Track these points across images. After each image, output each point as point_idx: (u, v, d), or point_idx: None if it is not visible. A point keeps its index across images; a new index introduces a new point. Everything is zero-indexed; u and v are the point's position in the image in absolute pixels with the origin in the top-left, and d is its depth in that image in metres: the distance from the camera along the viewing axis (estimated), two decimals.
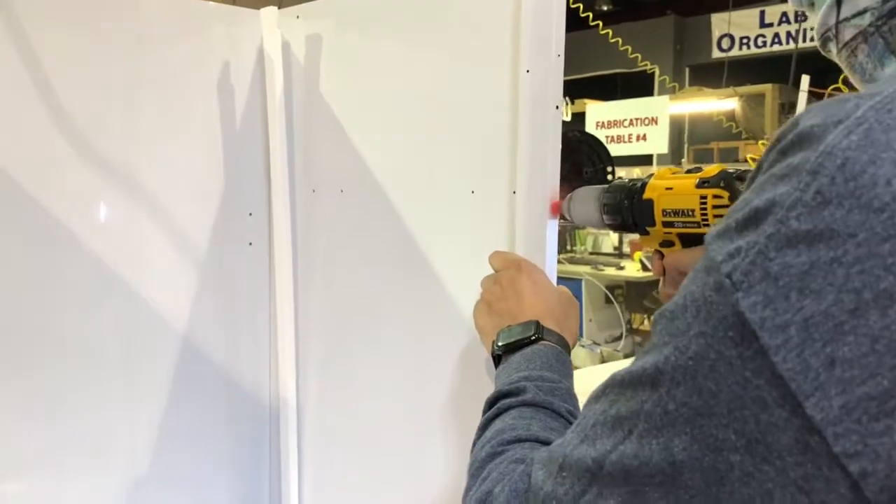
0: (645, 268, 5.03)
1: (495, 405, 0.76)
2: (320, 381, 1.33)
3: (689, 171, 0.87)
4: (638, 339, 5.05)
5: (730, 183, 0.80)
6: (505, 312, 0.91)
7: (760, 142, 5.09)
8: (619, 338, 4.90)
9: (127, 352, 1.22)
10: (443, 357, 1.14)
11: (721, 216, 0.75)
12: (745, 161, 6.78)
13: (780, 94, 4.99)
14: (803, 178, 0.40)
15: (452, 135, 1.10)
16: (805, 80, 3.71)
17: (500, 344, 0.86)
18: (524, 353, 0.83)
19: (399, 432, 1.21)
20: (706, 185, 0.82)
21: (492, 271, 0.99)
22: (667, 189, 0.87)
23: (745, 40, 10.37)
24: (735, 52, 10.14)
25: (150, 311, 1.24)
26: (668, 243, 0.90)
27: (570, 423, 0.69)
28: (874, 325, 0.37)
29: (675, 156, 8.03)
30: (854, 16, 0.56)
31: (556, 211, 0.98)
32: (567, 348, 0.86)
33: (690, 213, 0.84)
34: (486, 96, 1.04)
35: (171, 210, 1.26)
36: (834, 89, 4.90)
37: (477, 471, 0.68)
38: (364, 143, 1.23)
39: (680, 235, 0.88)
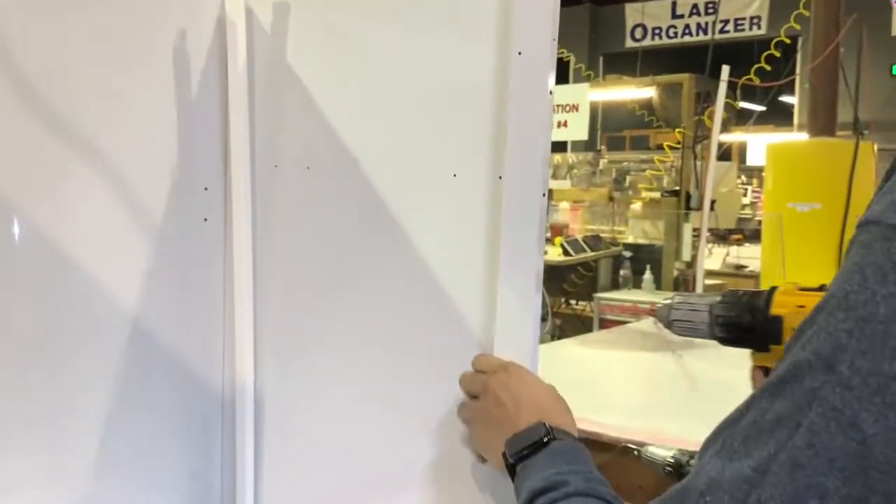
0: (566, 252, 5.11)
1: (535, 502, 0.76)
2: (280, 363, 1.29)
3: (817, 290, 0.85)
4: (558, 321, 5.14)
5: None
6: (505, 420, 0.89)
7: (676, 130, 5.22)
8: (542, 319, 4.97)
9: (72, 331, 1.16)
10: (415, 340, 1.12)
11: None
12: (659, 148, 6.95)
13: (696, 83, 5.12)
14: None
15: (434, 115, 1.08)
16: (725, 69, 3.82)
17: (513, 451, 0.84)
18: (545, 452, 0.82)
19: (365, 418, 1.19)
20: None
21: (468, 361, 0.99)
22: (798, 307, 0.85)
23: (657, 30, 10.63)
24: (648, 41, 10.39)
25: (98, 288, 1.18)
26: None
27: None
28: None
29: (589, 143, 8.18)
30: None
31: (653, 315, 0.95)
32: (576, 440, 0.86)
33: None
34: (472, 76, 1.02)
35: (120, 183, 1.19)
36: (747, 79, 5.08)
37: None
38: (335, 119, 1.19)
39: None
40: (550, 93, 0.94)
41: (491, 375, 0.95)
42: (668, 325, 0.95)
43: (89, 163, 1.15)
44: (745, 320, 0.88)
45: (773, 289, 0.88)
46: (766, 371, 0.88)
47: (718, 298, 0.92)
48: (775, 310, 0.86)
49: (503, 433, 0.88)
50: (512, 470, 0.85)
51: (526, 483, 0.79)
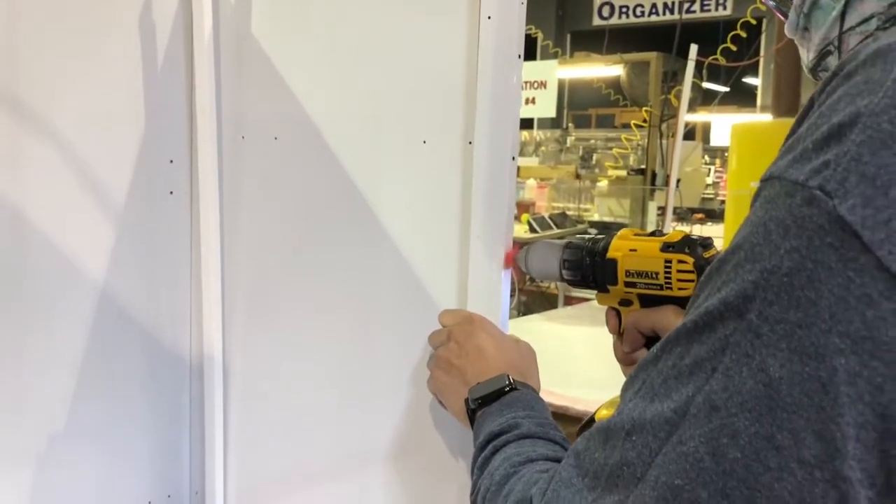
0: (532, 229, 5.13)
1: (489, 445, 0.78)
2: (248, 332, 1.28)
3: (650, 235, 0.90)
4: (524, 297, 5.16)
5: (694, 249, 0.85)
6: (468, 369, 0.91)
7: (644, 108, 5.25)
8: (510, 295, 4.99)
9: (39, 304, 1.14)
10: (385, 307, 1.12)
11: (685, 280, 0.83)
12: (624, 126, 6.99)
13: (663, 62, 5.15)
14: (889, 86, 0.43)
15: (402, 81, 1.07)
16: (693, 48, 3.84)
17: (474, 398, 0.86)
18: (502, 401, 0.84)
19: (334, 384, 1.19)
20: (671, 249, 0.86)
21: (438, 327, 1.00)
22: (631, 250, 0.90)
23: (623, 9, 10.65)
24: (615, 20, 10.41)
25: (63, 261, 1.16)
26: (626, 302, 0.92)
27: (565, 450, 0.73)
28: None
29: (555, 121, 8.20)
30: (860, 23, 0.58)
31: (510, 261, 0.99)
32: (536, 392, 0.88)
33: (654, 275, 0.87)
34: (441, 41, 1.01)
35: (85, 155, 1.17)
36: (713, 59, 5.11)
37: (494, 494, 0.69)
38: (302, 89, 1.18)
39: (640, 296, 0.91)
40: (519, 56, 0.94)
41: (455, 325, 0.97)
42: (525, 267, 1.00)
43: (51, 136, 1.13)
44: (585, 263, 0.94)
45: (613, 234, 0.93)
46: (617, 312, 0.93)
47: (568, 242, 0.98)
48: (611, 253, 0.91)
49: (465, 382, 0.90)
50: (472, 416, 0.87)
51: (483, 428, 0.82)
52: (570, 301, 4.80)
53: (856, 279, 0.41)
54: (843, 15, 0.59)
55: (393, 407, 1.10)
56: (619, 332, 0.93)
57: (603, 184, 5.89)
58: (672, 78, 4.85)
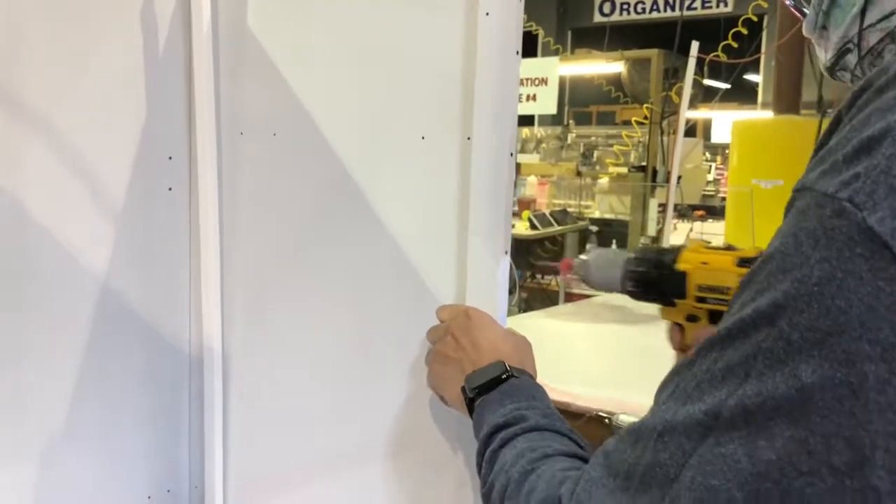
0: (533, 226, 5.13)
1: (495, 437, 0.77)
2: (247, 328, 1.29)
3: (723, 249, 0.88)
4: (524, 295, 5.17)
5: None
6: (465, 360, 0.91)
7: (645, 105, 5.25)
8: (510, 292, 5.00)
9: (38, 300, 1.14)
10: (383, 303, 1.12)
11: None
12: (625, 123, 6.99)
13: (664, 59, 5.14)
14: None
15: (401, 77, 1.07)
16: (694, 45, 3.83)
17: (471, 386, 0.86)
18: (501, 389, 0.83)
19: (333, 379, 1.19)
20: (747, 264, 0.83)
21: (437, 322, 1.00)
22: (702, 263, 0.87)
23: (625, 6, 10.63)
24: (616, 17, 10.40)
25: (62, 257, 1.16)
26: (693, 318, 0.90)
27: (575, 442, 0.74)
28: None
29: (556, 118, 8.20)
30: (881, 20, 0.59)
31: (567, 269, 0.97)
32: (534, 378, 0.87)
33: (727, 290, 0.85)
34: (439, 37, 1.01)
35: (83, 152, 1.17)
36: (714, 56, 5.11)
37: (514, 493, 0.68)
38: (301, 85, 1.17)
39: (710, 312, 0.88)
40: (517, 53, 0.94)
41: (452, 320, 0.97)
42: (586, 278, 0.97)
43: (50, 133, 1.13)
44: (652, 275, 0.91)
45: (683, 246, 0.91)
46: (681, 328, 0.91)
47: (632, 254, 0.95)
48: (681, 265, 0.89)
49: (462, 371, 0.89)
50: (470, 405, 0.86)
51: (486, 417, 0.81)
52: (570, 298, 4.80)
53: (885, 288, 0.42)
54: (863, 12, 0.60)
55: (391, 402, 1.10)
56: (681, 350, 0.92)
57: (604, 181, 5.89)
58: (673, 75, 4.85)
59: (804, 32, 0.68)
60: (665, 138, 5.12)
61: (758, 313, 0.47)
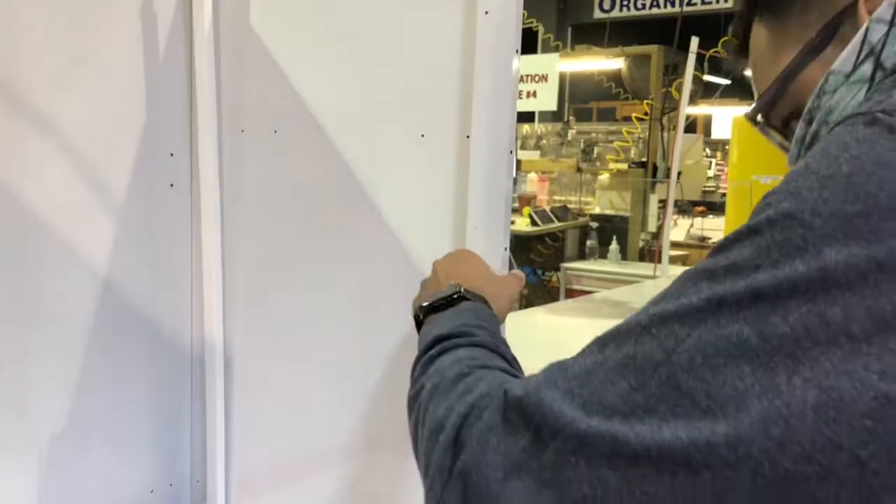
0: (534, 222, 5.13)
1: (436, 346, 0.72)
2: (248, 324, 1.30)
3: None
4: (525, 290, 5.17)
5: None
6: (429, 286, 0.90)
7: (645, 101, 5.25)
8: None
9: (42, 296, 1.15)
10: (383, 298, 1.13)
11: None
12: (625, 120, 6.99)
13: (664, 55, 5.15)
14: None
15: (401, 75, 1.08)
16: (694, 41, 3.83)
17: (423, 305, 0.83)
18: (455, 309, 0.80)
19: (333, 375, 1.20)
20: None
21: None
22: None
23: (625, 2, 10.61)
24: (616, 13, 10.37)
25: (65, 253, 1.17)
26: None
27: (512, 366, 0.69)
28: None
29: (556, 114, 8.19)
30: None
31: None
32: (489, 307, 0.84)
33: None
34: (440, 36, 1.02)
35: (86, 149, 1.18)
36: (714, 52, 5.11)
37: (445, 391, 0.63)
38: (301, 82, 1.18)
39: None
40: (516, 51, 0.95)
41: (438, 261, 0.94)
42: None
43: (52, 130, 1.14)
44: None
45: None
46: None
47: None
48: None
49: (420, 298, 0.88)
50: (419, 323, 0.83)
51: (431, 331, 0.76)
52: (571, 294, 4.81)
53: None
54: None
55: (391, 395, 1.11)
56: None
57: (604, 177, 5.89)
58: (673, 71, 4.86)
59: (787, 164, 0.70)
60: (665, 134, 5.13)
61: (776, 213, 0.47)
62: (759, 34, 0.74)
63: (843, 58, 0.64)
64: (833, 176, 0.46)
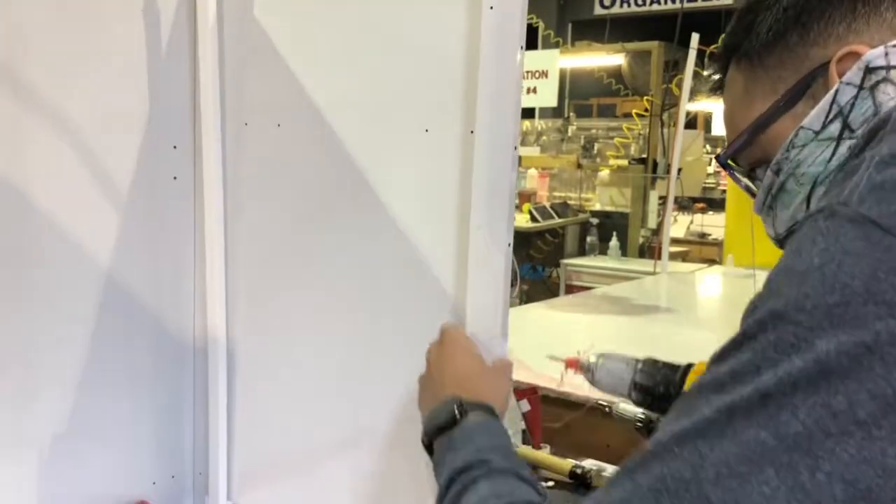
0: (534, 219, 5.14)
1: (455, 483, 0.75)
2: (251, 318, 1.30)
3: None
4: (525, 286, 5.18)
5: None
6: (428, 389, 0.95)
7: (645, 98, 5.24)
8: (511, 285, 5.00)
9: (44, 289, 1.15)
10: (385, 292, 1.13)
11: None
12: (625, 116, 6.98)
13: (665, 51, 5.14)
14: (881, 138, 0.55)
15: (405, 70, 1.08)
16: (695, 37, 3.83)
17: (427, 430, 0.86)
18: (460, 430, 0.83)
19: (335, 368, 1.20)
20: None
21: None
22: None
23: None
24: (616, 9, 10.37)
25: (68, 246, 1.18)
26: None
27: (536, 491, 0.73)
28: None
29: (556, 110, 8.19)
30: None
31: (572, 366, 0.99)
32: (492, 413, 0.86)
33: None
34: (444, 31, 1.02)
35: (89, 141, 1.18)
36: (714, 48, 5.09)
37: None
38: (305, 76, 1.18)
39: None
40: (521, 47, 0.95)
41: (432, 345, 0.99)
42: (592, 381, 1.01)
43: (56, 122, 1.14)
44: (659, 391, 0.96)
45: (689, 366, 0.95)
46: None
47: (639, 364, 0.99)
48: (688, 387, 0.92)
49: (431, 398, 0.92)
50: (430, 447, 0.86)
51: (446, 460, 0.80)
52: (571, 290, 4.82)
53: (883, 257, 0.47)
54: (808, 198, 0.69)
55: (394, 389, 1.12)
56: None
57: (604, 173, 5.88)
58: (673, 67, 4.84)
59: (754, 210, 0.76)
60: (665, 130, 5.12)
61: (764, 315, 0.50)
62: (736, 79, 0.77)
63: (814, 116, 0.68)
64: (808, 271, 0.50)
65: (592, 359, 1.03)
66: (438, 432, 0.84)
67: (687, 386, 0.93)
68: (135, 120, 1.24)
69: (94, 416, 1.22)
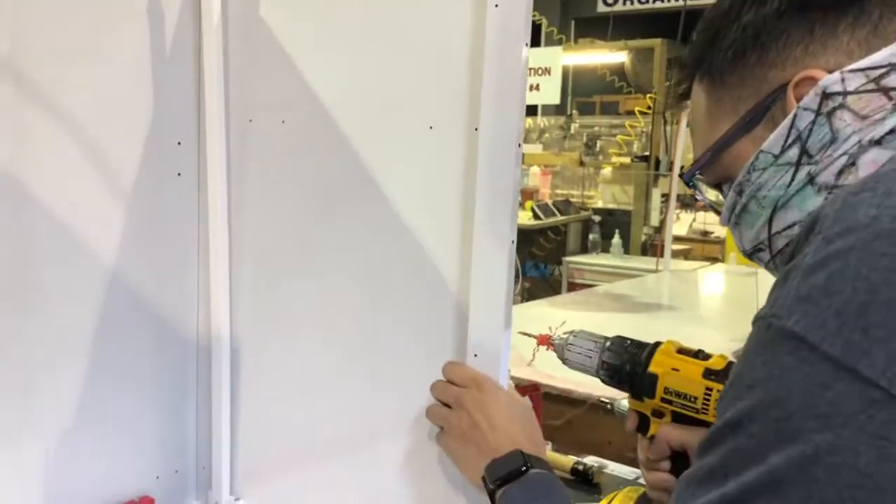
0: (536, 216, 5.14)
1: None
2: (254, 314, 1.30)
3: (694, 355, 0.93)
4: (528, 284, 5.18)
5: None
6: (481, 442, 0.95)
7: (648, 96, 5.24)
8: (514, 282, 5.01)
9: (47, 285, 1.16)
10: (390, 289, 1.13)
11: None
12: (628, 113, 6.98)
13: (668, 49, 5.14)
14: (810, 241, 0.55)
15: (409, 67, 1.08)
16: None
17: (493, 479, 0.91)
18: (521, 484, 0.88)
19: (339, 364, 1.21)
20: (713, 377, 0.90)
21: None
22: (673, 369, 0.92)
23: None
24: (619, 6, 10.36)
25: (71, 242, 1.18)
26: (659, 413, 0.95)
27: None
28: (886, 293, 0.49)
29: (559, 108, 8.19)
30: (785, 229, 0.70)
31: (543, 343, 1.02)
32: (550, 468, 0.92)
33: (693, 399, 0.91)
34: (449, 28, 1.02)
35: (93, 137, 1.18)
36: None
37: None
38: (310, 72, 1.19)
39: (674, 413, 0.94)
40: (526, 44, 0.95)
41: (465, 391, 0.99)
42: (562, 358, 1.04)
43: (60, 118, 1.14)
44: (626, 370, 0.97)
45: (657, 344, 0.96)
46: (640, 415, 0.97)
47: (608, 342, 1.01)
48: (652, 367, 0.95)
49: (481, 455, 0.94)
50: (492, 495, 0.91)
51: None
52: (573, 287, 4.82)
53: (811, 372, 0.51)
54: (770, 220, 0.70)
55: (398, 384, 1.12)
56: (638, 433, 0.98)
57: (607, 171, 5.88)
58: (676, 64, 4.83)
59: (720, 223, 0.78)
60: (668, 128, 5.12)
61: (726, 423, 0.56)
62: (699, 96, 0.78)
63: (773, 140, 0.68)
64: (755, 385, 0.54)
65: (564, 335, 1.04)
66: (502, 484, 0.90)
67: (652, 366, 0.94)
68: (138, 116, 1.24)
69: (98, 412, 1.23)
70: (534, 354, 1.10)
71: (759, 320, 0.56)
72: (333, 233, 1.19)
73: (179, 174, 1.30)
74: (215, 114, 1.26)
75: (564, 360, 1.03)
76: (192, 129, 1.30)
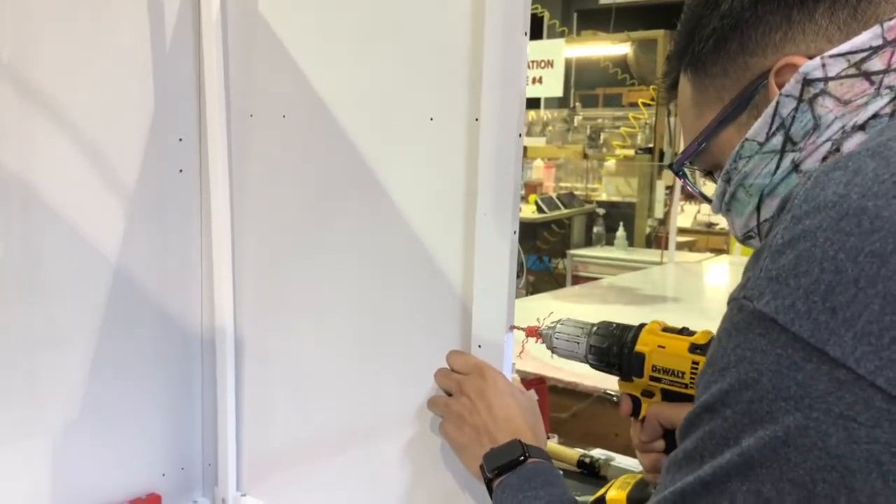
0: (540, 209, 5.13)
1: None
2: (258, 309, 1.30)
3: (679, 332, 0.94)
4: (531, 277, 5.18)
5: None
6: (481, 428, 0.96)
7: (651, 87, 5.23)
8: (517, 275, 5.01)
9: (51, 282, 1.16)
10: (393, 282, 1.13)
11: None
12: (632, 105, 6.96)
13: (671, 40, 5.12)
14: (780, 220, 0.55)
15: (409, 58, 1.08)
16: None
17: (490, 468, 0.91)
18: (520, 473, 0.89)
19: (344, 359, 1.20)
20: (698, 351, 0.90)
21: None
22: (659, 346, 0.93)
23: None
24: None
25: (75, 239, 1.18)
26: (648, 393, 0.96)
27: None
28: (853, 273, 0.49)
29: (562, 100, 8.17)
30: (773, 217, 0.68)
31: (532, 334, 1.02)
32: (549, 459, 0.93)
33: (680, 374, 0.92)
34: (448, 18, 1.02)
35: (94, 134, 1.18)
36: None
37: None
38: (310, 66, 1.18)
39: (663, 390, 0.94)
40: (525, 34, 0.95)
41: (466, 378, 1.00)
42: (550, 346, 1.04)
43: (61, 116, 1.14)
44: (613, 352, 0.98)
45: (641, 326, 0.97)
46: (633, 398, 0.98)
47: (594, 327, 1.01)
48: (639, 347, 0.95)
49: (479, 443, 0.95)
50: (489, 483, 0.92)
51: (508, 502, 0.87)
52: (577, 280, 4.82)
53: (782, 353, 0.51)
54: (758, 208, 0.70)
55: (403, 378, 1.12)
56: (632, 416, 0.98)
57: (610, 163, 5.87)
58: None
59: (712, 211, 0.78)
60: (672, 119, 5.11)
61: (702, 407, 0.56)
62: (685, 86, 0.78)
63: (757, 127, 0.68)
64: (727, 367, 0.54)
65: (551, 324, 1.04)
66: (500, 473, 0.90)
67: (639, 346, 0.95)
68: (140, 113, 1.24)
69: (103, 409, 1.23)
70: (523, 346, 1.10)
71: (731, 301, 0.56)
72: (336, 226, 1.19)
73: (181, 170, 1.30)
74: (216, 110, 1.26)
75: (553, 349, 1.03)
76: (194, 126, 1.30)
